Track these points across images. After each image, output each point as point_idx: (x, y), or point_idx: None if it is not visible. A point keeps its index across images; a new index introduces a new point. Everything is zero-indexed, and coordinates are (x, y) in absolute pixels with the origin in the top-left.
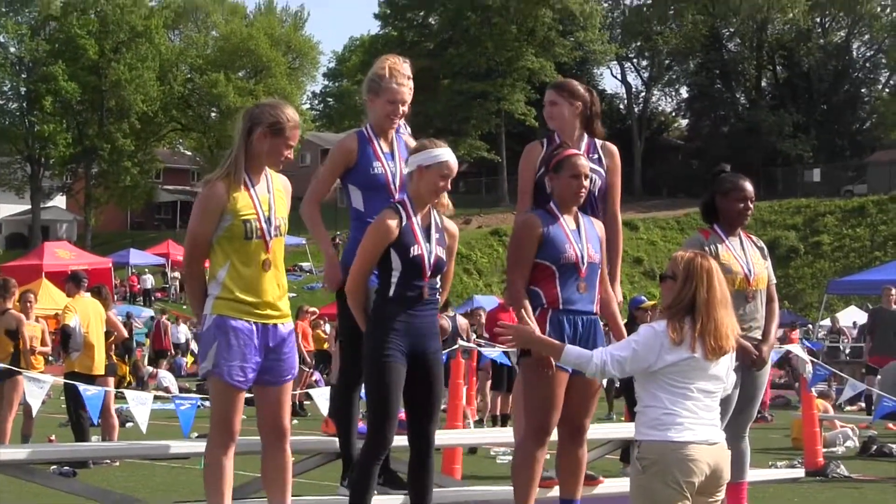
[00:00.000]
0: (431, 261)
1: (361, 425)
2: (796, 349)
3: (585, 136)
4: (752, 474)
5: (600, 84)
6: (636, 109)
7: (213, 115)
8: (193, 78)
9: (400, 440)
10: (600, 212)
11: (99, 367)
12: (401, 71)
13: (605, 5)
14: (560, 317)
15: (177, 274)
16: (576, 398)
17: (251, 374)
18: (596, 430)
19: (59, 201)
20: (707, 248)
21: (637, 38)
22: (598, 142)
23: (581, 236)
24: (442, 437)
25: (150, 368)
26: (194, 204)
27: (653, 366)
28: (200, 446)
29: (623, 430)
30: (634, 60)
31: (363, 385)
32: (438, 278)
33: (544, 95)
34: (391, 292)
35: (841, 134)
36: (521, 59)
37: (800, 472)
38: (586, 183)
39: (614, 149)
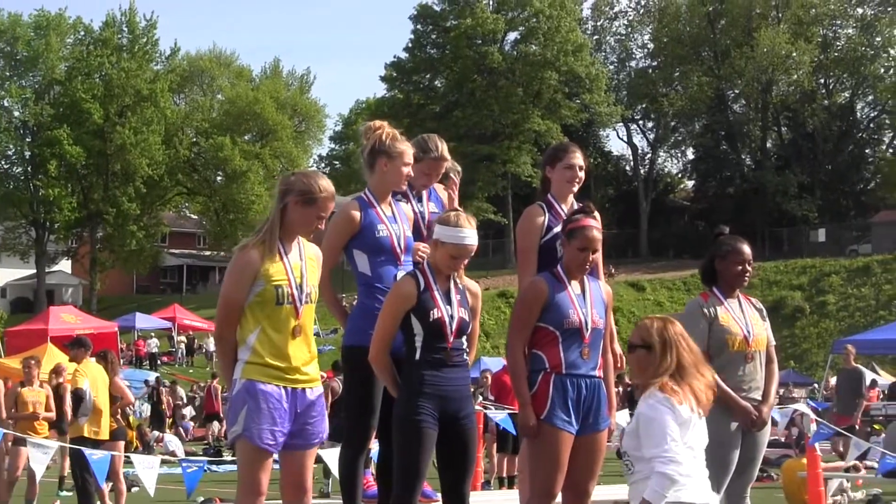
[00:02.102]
0: (454, 324)
1: (371, 490)
2: (803, 408)
3: (575, 201)
4: None
5: (606, 146)
6: (642, 171)
7: (218, 178)
8: (199, 141)
9: None
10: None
11: (104, 433)
12: (401, 136)
13: (611, 67)
14: (563, 380)
15: (183, 338)
16: (581, 461)
17: (281, 437)
18: (602, 492)
19: (65, 265)
20: (706, 311)
21: (643, 100)
22: (580, 205)
23: (586, 301)
24: None
25: (157, 433)
26: (227, 269)
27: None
28: None
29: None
30: (640, 122)
31: (394, 448)
32: (464, 339)
33: (566, 155)
34: (417, 356)
35: (845, 194)
36: (527, 121)
37: None
38: (595, 257)
39: (597, 216)
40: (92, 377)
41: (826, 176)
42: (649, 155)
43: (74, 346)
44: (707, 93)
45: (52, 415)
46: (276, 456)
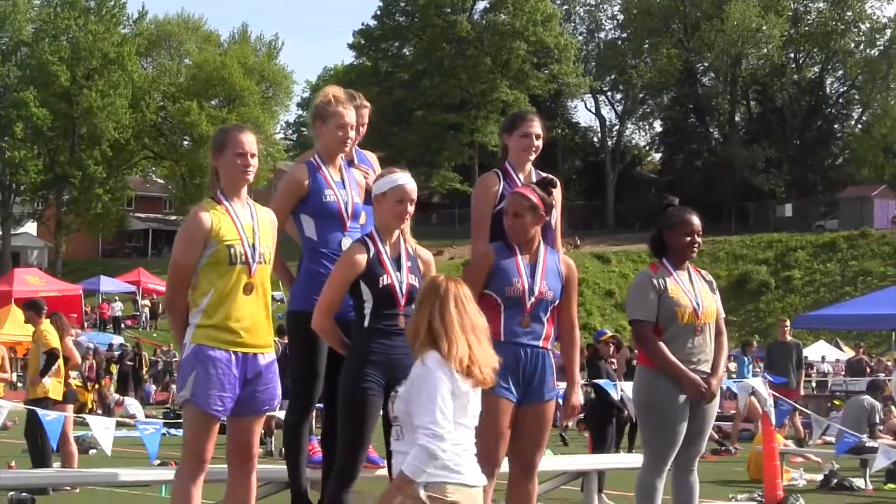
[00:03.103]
0: (404, 290)
1: (316, 456)
2: (757, 383)
3: (533, 168)
4: None
5: (574, 117)
6: (610, 143)
7: (185, 143)
8: (166, 106)
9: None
10: (553, 242)
11: (59, 394)
12: (344, 98)
13: (580, 38)
14: (502, 347)
15: (147, 301)
16: (526, 432)
17: (229, 403)
18: (549, 463)
19: (30, 228)
20: (655, 282)
21: (611, 71)
22: (545, 174)
23: (536, 271)
24: None
25: (117, 396)
26: (178, 233)
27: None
28: (154, 474)
29: (576, 462)
30: (608, 94)
31: (338, 414)
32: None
33: (524, 123)
34: (366, 323)
35: (813, 169)
36: (495, 91)
37: None
38: (527, 222)
39: (558, 182)
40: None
41: (794, 151)
42: (617, 127)
43: (29, 308)
44: (676, 65)
45: (7, 375)
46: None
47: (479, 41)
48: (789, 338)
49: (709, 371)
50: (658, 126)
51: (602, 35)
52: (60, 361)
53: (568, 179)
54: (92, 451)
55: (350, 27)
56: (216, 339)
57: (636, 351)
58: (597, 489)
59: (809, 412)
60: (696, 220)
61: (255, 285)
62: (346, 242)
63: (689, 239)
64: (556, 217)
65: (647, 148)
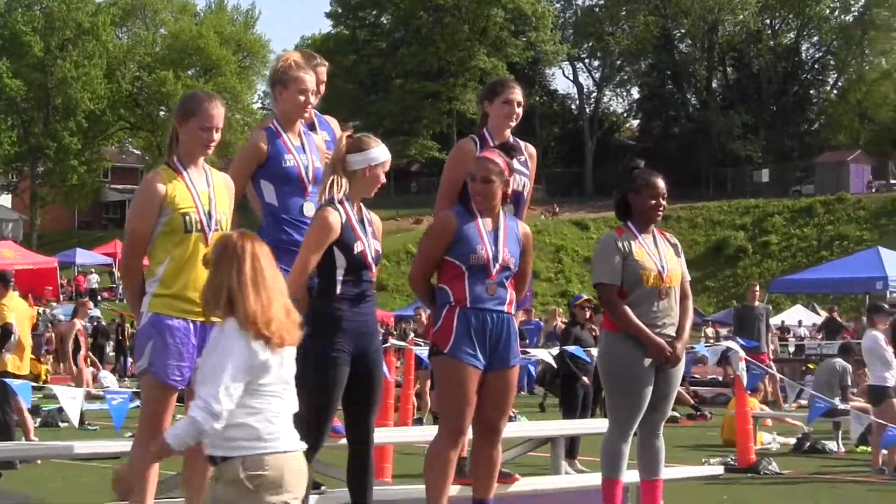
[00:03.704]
0: (373, 255)
1: None
2: (733, 347)
3: (511, 136)
4: (677, 471)
5: (552, 84)
6: (587, 110)
7: (161, 113)
8: (142, 76)
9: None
10: (523, 213)
11: (26, 368)
12: (304, 63)
13: (557, 6)
14: (468, 314)
15: None
16: (491, 398)
17: (187, 372)
18: (514, 429)
19: (5, 200)
20: (620, 245)
21: (589, 38)
22: (522, 143)
23: (498, 238)
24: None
25: (92, 369)
26: (133, 199)
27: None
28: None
29: (542, 428)
30: (586, 61)
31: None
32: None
33: (504, 90)
34: (338, 290)
35: (790, 135)
36: (472, 58)
37: (718, 470)
38: (495, 187)
39: (534, 152)
40: (16, 312)
41: (770, 116)
42: (595, 94)
43: None
44: (653, 32)
45: None
46: None
47: (456, 9)
48: (758, 303)
49: (674, 335)
50: (636, 93)
51: (579, 2)
52: (23, 335)
53: (546, 147)
54: (63, 425)
55: None
56: (174, 307)
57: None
58: (564, 455)
59: (781, 376)
60: (661, 183)
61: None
62: (308, 207)
63: (653, 202)
64: (528, 188)
65: (625, 115)
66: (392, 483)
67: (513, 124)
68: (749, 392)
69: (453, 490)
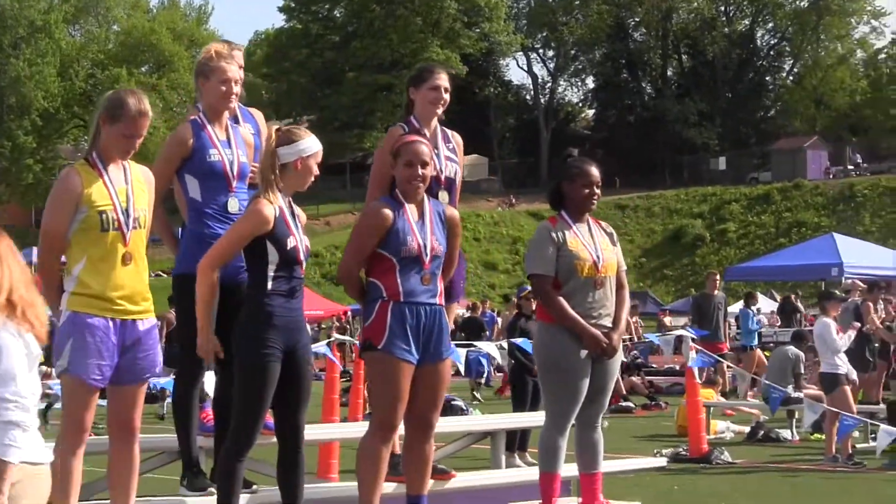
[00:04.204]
0: (304, 251)
1: (210, 423)
2: (685, 336)
3: (438, 124)
4: (621, 464)
5: (506, 75)
6: (542, 100)
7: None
8: (95, 73)
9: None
10: (455, 201)
11: None
12: (227, 53)
13: None
14: (402, 308)
15: None
16: (423, 391)
17: (108, 371)
18: (453, 423)
19: None
20: (554, 236)
21: (542, 28)
22: (449, 131)
23: (425, 226)
24: (316, 431)
25: (45, 368)
26: (48, 197)
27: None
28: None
29: (481, 422)
30: (540, 51)
31: (236, 381)
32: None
33: (431, 76)
34: (269, 286)
35: (746, 122)
36: (426, 50)
37: (661, 462)
38: (425, 171)
39: (461, 140)
40: None
41: (726, 104)
42: (549, 84)
43: None
44: (607, 21)
45: None
46: None
47: (409, 1)
48: (717, 291)
49: (610, 325)
50: (591, 83)
51: None
52: None
53: (501, 138)
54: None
55: None
56: (92, 305)
57: None
58: (516, 448)
59: (730, 365)
60: (594, 171)
61: (132, 253)
62: (233, 203)
63: (587, 190)
64: (459, 175)
65: (580, 104)
66: (338, 480)
67: (439, 111)
68: (703, 383)
69: (388, 487)
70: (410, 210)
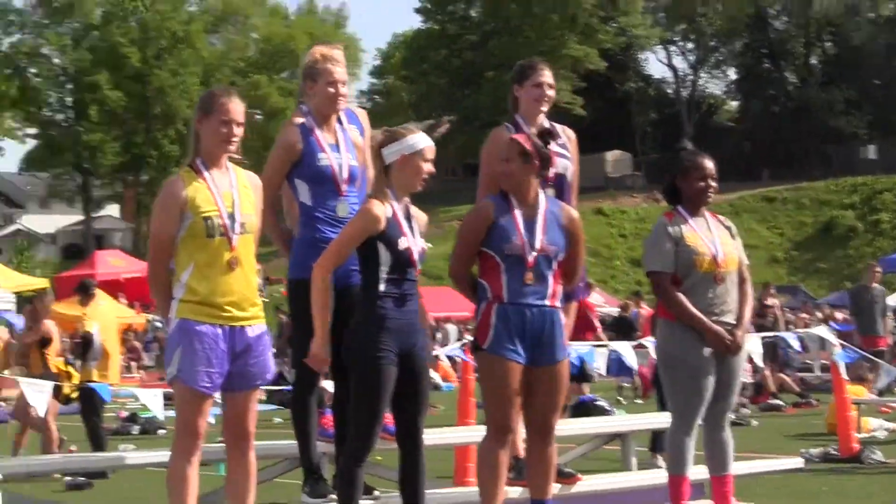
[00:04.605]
0: (418, 253)
1: (326, 428)
2: (823, 332)
3: (547, 120)
4: (759, 464)
5: (646, 69)
6: (684, 93)
7: (257, 116)
8: (236, 81)
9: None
10: (570, 198)
11: (113, 377)
12: (332, 55)
13: None
14: (506, 309)
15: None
16: (540, 394)
17: (218, 379)
18: (581, 425)
19: (113, 210)
20: (671, 231)
21: (681, 20)
22: (560, 126)
23: (535, 226)
24: (451, 435)
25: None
26: (154, 205)
27: None
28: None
29: (612, 423)
30: (680, 44)
31: (352, 386)
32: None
33: (534, 73)
34: (382, 288)
35: None
36: (564, 47)
37: (799, 462)
38: (509, 165)
39: (574, 135)
40: (101, 321)
41: (875, 91)
42: (691, 77)
43: (79, 290)
44: (746, 10)
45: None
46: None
47: None
48: (875, 284)
49: (734, 322)
50: (732, 74)
51: None
52: (108, 344)
53: (644, 133)
54: (161, 432)
55: None
56: (201, 313)
57: None
58: (651, 449)
59: (879, 361)
60: (709, 164)
61: (239, 258)
62: (342, 207)
63: (702, 184)
64: (571, 170)
65: (723, 96)
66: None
67: (545, 108)
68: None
69: (513, 493)
70: (520, 209)
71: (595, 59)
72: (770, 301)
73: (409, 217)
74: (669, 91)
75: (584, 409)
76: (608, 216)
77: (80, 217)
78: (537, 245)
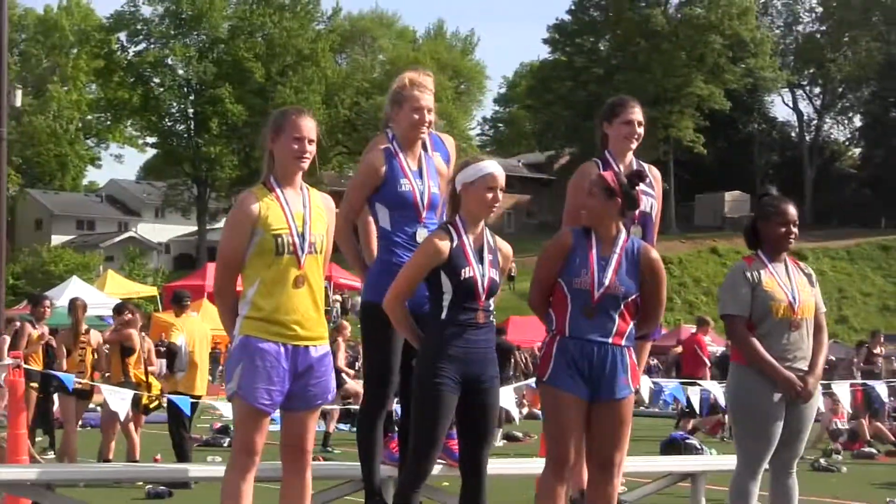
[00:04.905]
0: (485, 283)
1: (393, 452)
2: None
3: (634, 158)
4: None
5: (771, 111)
6: (807, 137)
7: None
8: (359, 101)
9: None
10: (653, 237)
11: (201, 388)
12: (421, 81)
13: (777, 32)
14: (567, 343)
15: (338, 297)
16: (602, 430)
17: (278, 397)
18: (651, 463)
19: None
20: (749, 275)
21: (810, 65)
22: (647, 165)
23: (609, 263)
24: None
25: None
26: (226, 219)
27: None
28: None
29: (683, 462)
30: (807, 88)
31: (411, 410)
32: (492, 301)
33: (624, 110)
34: (444, 316)
35: None
36: (689, 85)
37: None
38: (593, 200)
39: (659, 174)
40: (189, 332)
41: None
42: (815, 121)
43: (174, 301)
44: (877, 58)
45: (155, 368)
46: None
47: (673, 35)
48: None
49: (806, 369)
50: (857, 121)
51: (800, 28)
52: (197, 355)
53: (764, 174)
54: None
55: (545, 22)
56: (265, 330)
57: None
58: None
59: None
60: (792, 210)
61: (306, 277)
62: (421, 233)
63: (784, 230)
64: (656, 209)
65: (847, 143)
66: None
67: (633, 145)
68: None
69: None
70: (597, 245)
71: (720, 98)
72: (878, 349)
73: (483, 247)
74: (793, 134)
75: (674, 446)
76: (722, 256)
77: (194, 228)
78: (606, 282)
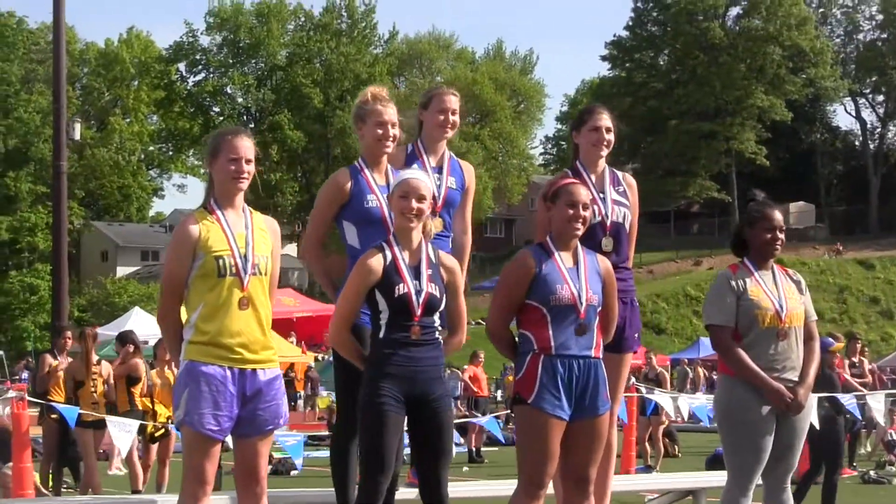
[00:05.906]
0: (421, 299)
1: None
2: None
3: (607, 167)
4: None
5: (833, 121)
6: (871, 146)
7: None
8: None
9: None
10: (628, 247)
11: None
12: (383, 96)
13: (837, 41)
14: (553, 361)
15: None
16: (579, 446)
17: (226, 423)
18: (657, 480)
19: (290, 249)
20: (734, 284)
21: (872, 73)
22: (620, 173)
23: (579, 274)
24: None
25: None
26: (168, 244)
27: None
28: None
29: (684, 479)
30: (869, 96)
31: (358, 433)
32: (437, 316)
33: (591, 117)
34: (381, 334)
35: None
36: (750, 97)
37: None
38: (586, 213)
39: (634, 182)
40: None
41: None
42: (879, 129)
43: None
44: None
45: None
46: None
47: (732, 47)
48: None
49: (796, 379)
50: None
51: (860, 36)
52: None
53: (829, 184)
54: (294, 473)
55: (603, 38)
56: (209, 354)
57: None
58: None
59: None
60: (777, 216)
61: (250, 298)
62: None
63: (770, 236)
64: (630, 219)
65: None
66: None
67: (604, 152)
68: None
69: None
70: (562, 257)
71: (781, 109)
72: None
73: (421, 262)
74: (856, 143)
75: (719, 461)
76: (787, 266)
77: None
78: (585, 296)
